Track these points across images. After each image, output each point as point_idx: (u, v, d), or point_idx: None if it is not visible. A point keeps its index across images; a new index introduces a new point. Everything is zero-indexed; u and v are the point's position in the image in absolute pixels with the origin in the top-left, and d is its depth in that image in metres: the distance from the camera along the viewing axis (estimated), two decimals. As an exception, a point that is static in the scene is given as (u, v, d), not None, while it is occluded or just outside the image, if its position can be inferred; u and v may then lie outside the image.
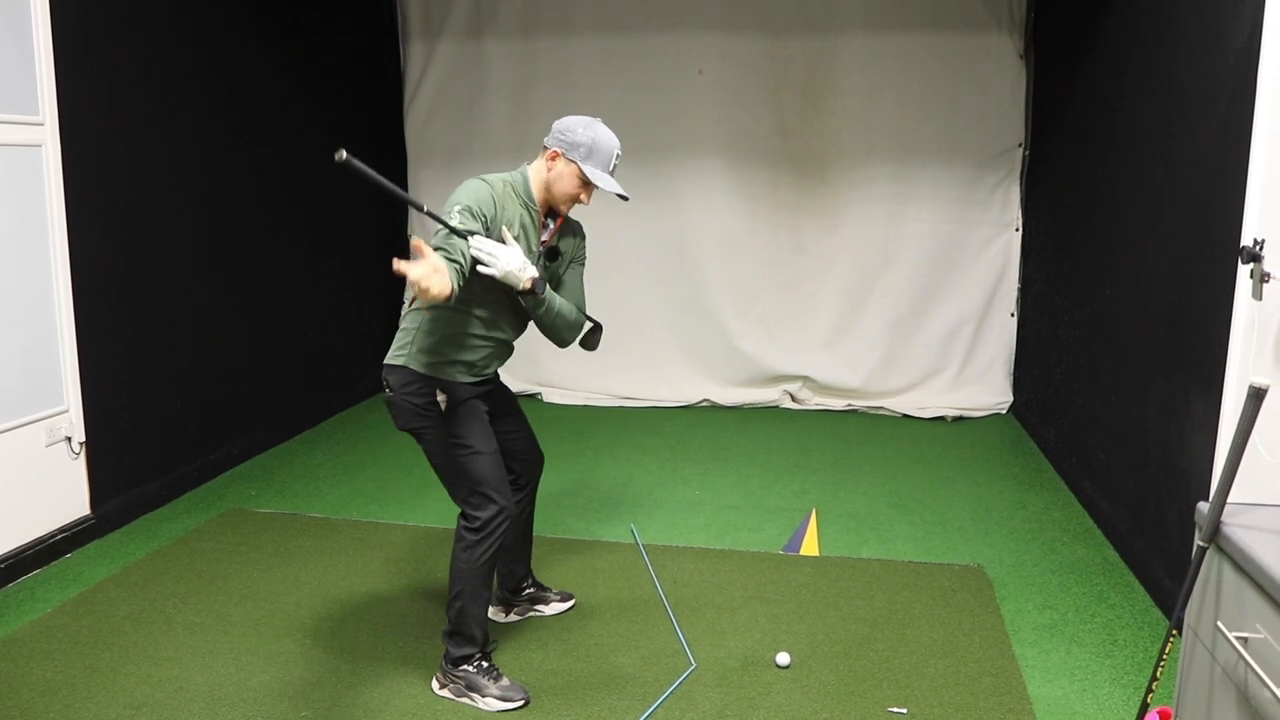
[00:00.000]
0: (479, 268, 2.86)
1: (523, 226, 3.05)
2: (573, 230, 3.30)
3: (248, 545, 4.39)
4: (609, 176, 3.06)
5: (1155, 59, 4.12)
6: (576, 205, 3.12)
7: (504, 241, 2.96)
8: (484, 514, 3.08)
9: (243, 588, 3.96)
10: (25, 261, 4.08)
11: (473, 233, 2.86)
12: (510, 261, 2.88)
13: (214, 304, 5.30)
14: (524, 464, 3.48)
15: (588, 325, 3.35)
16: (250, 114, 5.56)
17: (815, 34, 6.60)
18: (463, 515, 3.13)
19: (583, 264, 3.34)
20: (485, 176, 3.01)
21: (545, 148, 3.07)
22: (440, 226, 2.85)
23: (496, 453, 3.15)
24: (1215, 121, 3.42)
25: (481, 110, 7.00)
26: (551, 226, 3.16)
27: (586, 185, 3.05)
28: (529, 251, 3.07)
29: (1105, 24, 4.85)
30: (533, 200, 3.08)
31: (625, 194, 3.09)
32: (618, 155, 3.07)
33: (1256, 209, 3.04)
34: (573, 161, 3.02)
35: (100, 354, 4.46)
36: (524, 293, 2.97)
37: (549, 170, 3.05)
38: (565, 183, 3.04)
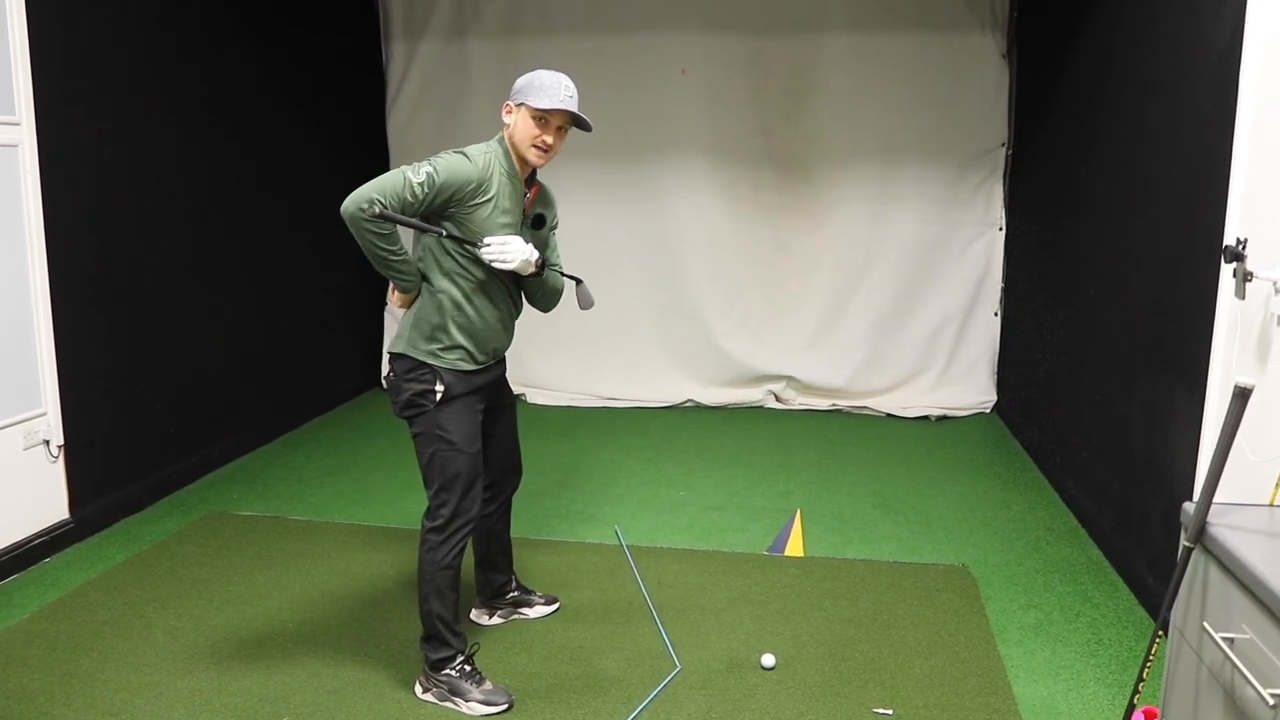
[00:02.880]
0: (496, 265, 3.00)
1: (510, 197, 3.04)
2: (547, 195, 3.29)
3: (229, 549, 4.35)
4: (557, 99, 2.98)
5: (1138, 59, 4.13)
6: (552, 157, 3.06)
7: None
8: (445, 513, 3.08)
9: (224, 591, 3.92)
10: (1, 263, 4.03)
11: (455, 237, 2.96)
12: (523, 252, 3.01)
13: (194, 305, 5.26)
14: (500, 472, 3.45)
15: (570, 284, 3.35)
16: (230, 113, 5.51)
17: (798, 34, 6.60)
18: (427, 514, 3.12)
19: (557, 228, 3.36)
20: (466, 151, 3.00)
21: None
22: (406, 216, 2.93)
23: (477, 456, 3.13)
24: (1198, 121, 3.43)
25: (464, 110, 6.97)
26: (528, 194, 3.14)
27: (545, 123, 3.00)
28: (515, 220, 3.07)
29: (1088, 24, 4.86)
30: (514, 169, 3.06)
31: (568, 107, 2.98)
32: (568, 88, 3.00)
33: (1239, 208, 3.06)
34: (521, 105, 3.00)
35: (79, 356, 4.42)
36: (530, 276, 3.12)
37: (509, 126, 3.05)
38: (522, 128, 3.01)
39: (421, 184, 2.89)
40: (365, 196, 2.87)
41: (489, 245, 2.97)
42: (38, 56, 4.13)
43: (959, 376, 6.86)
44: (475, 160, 2.97)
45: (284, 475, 5.39)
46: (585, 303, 3.33)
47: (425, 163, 2.94)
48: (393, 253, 2.97)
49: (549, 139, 3.00)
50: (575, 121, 3.05)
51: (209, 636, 3.55)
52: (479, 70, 6.92)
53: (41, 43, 4.14)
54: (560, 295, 3.35)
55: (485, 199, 2.98)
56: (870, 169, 6.68)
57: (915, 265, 6.76)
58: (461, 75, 6.98)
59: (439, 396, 3.05)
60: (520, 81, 3.04)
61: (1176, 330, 3.57)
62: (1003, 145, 6.57)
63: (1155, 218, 3.86)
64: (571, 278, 3.32)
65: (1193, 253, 3.41)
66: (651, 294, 6.97)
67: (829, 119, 6.67)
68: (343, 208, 2.90)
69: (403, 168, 2.93)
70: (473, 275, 3.04)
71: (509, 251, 2.98)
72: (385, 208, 2.85)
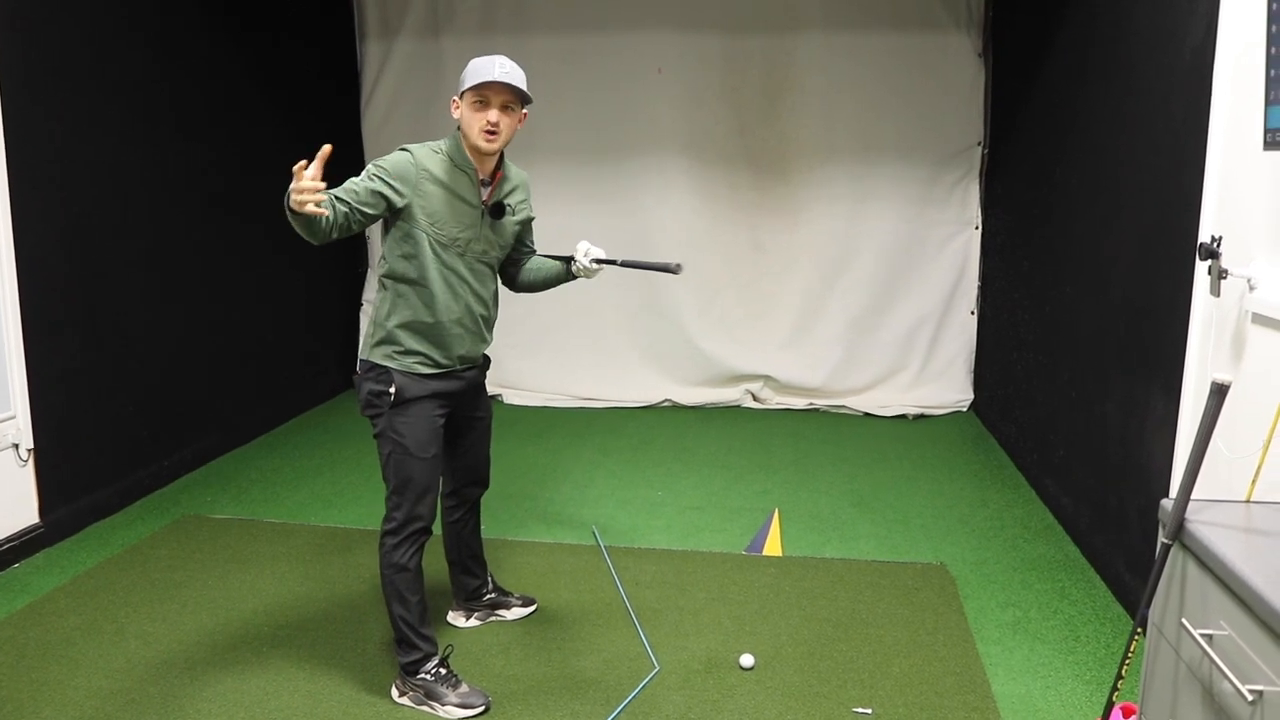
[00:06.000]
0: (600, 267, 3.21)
1: (459, 187, 3.00)
2: (517, 183, 3.24)
3: (203, 552, 4.31)
4: (490, 74, 2.93)
5: (1112, 57, 4.14)
6: (507, 139, 3.02)
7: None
8: (399, 516, 3.05)
9: (198, 596, 3.88)
10: (-31, 264, 3.98)
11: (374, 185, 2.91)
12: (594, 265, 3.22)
13: (166, 306, 5.20)
14: (464, 483, 3.43)
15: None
16: (201, 114, 5.46)
17: (774, 33, 6.60)
18: (385, 517, 3.09)
19: (533, 219, 3.34)
20: (409, 145, 2.99)
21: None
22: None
23: (434, 461, 3.09)
24: (1172, 119, 3.44)
25: (440, 110, 6.93)
26: (490, 185, 3.10)
27: (481, 104, 2.95)
28: (473, 208, 3.04)
29: (1062, 22, 4.87)
30: (468, 162, 3.02)
31: (514, 84, 2.93)
32: (501, 65, 2.95)
33: (1213, 206, 3.07)
34: (462, 95, 2.98)
35: (48, 358, 4.36)
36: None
37: (459, 124, 3.02)
38: (467, 117, 2.98)
39: (370, 175, 2.89)
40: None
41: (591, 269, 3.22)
42: (4, 59, 4.07)
43: (936, 375, 6.88)
44: (415, 151, 2.97)
45: (258, 478, 5.34)
46: (673, 269, 3.30)
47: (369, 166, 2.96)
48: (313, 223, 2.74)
49: (493, 118, 2.95)
50: (519, 97, 2.99)
51: (182, 641, 3.50)
52: (453, 70, 6.80)
53: (7, 43, 4.08)
54: (553, 285, 3.40)
55: (435, 185, 2.95)
56: (847, 168, 6.69)
57: (892, 264, 6.77)
58: (436, 75, 6.94)
59: (392, 399, 3.02)
60: (461, 76, 3.01)
61: (1152, 328, 3.58)
62: (979, 144, 6.60)
63: (1130, 216, 3.88)
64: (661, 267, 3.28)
65: (1167, 250, 3.42)
66: (628, 293, 6.94)
67: (805, 118, 6.68)
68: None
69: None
70: (420, 277, 2.99)
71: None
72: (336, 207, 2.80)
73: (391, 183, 2.89)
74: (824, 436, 6.24)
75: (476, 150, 3.00)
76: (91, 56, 4.61)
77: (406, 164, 2.93)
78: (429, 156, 2.98)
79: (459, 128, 3.03)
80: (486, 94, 2.94)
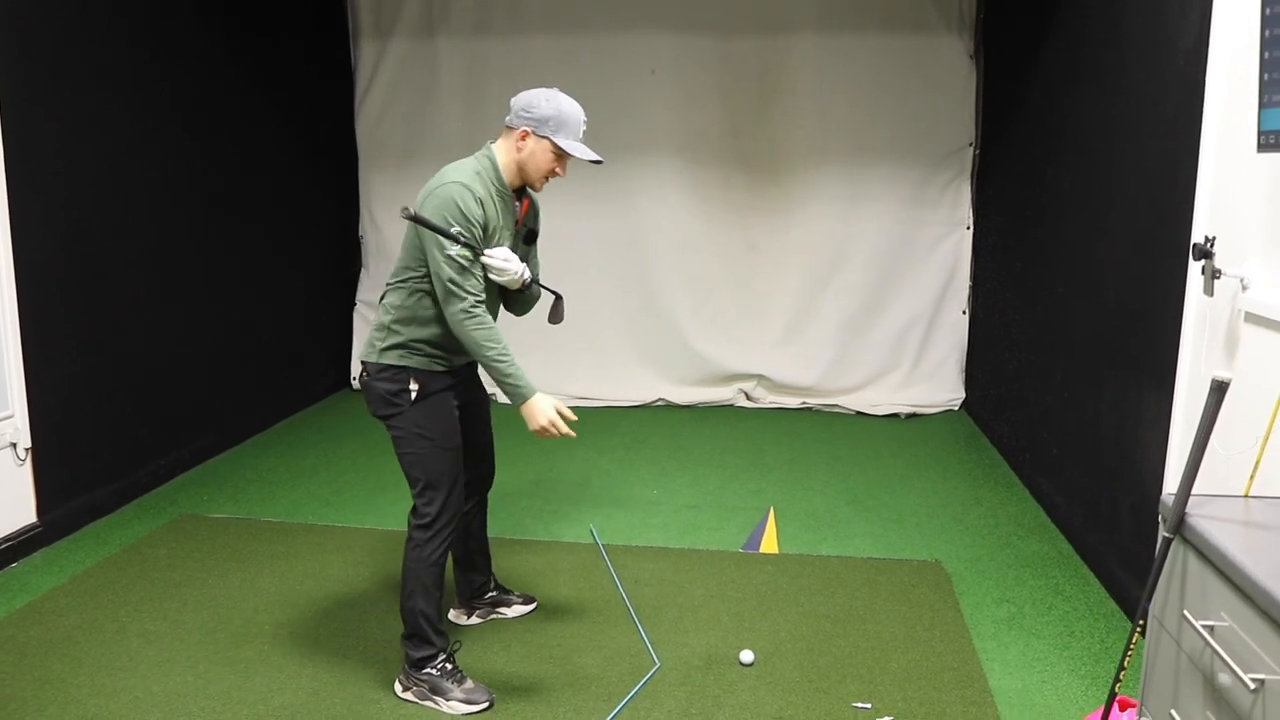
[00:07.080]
0: (491, 275, 3.01)
1: (503, 212, 3.03)
2: (537, 209, 3.28)
3: (202, 551, 4.31)
4: (583, 145, 3.04)
5: (1104, 59, 4.18)
6: (551, 178, 3.09)
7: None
8: (432, 510, 3.06)
9: (198, 594, 3.89)
10: (-32, 263, 3.98)
11: (471, 249, 2.93)
12: (518, 267, 3.04)
13: (163, 305, 5.20)
14: (473, 472, 3.43)
15: (550, 298, 3.35)
16: (197, 114, 5.45)
17: (767, 34, 6.64)
18: (413, 511, 3.11)
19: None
20: (462, 180, 2.92)
21: (510, 128, 3.02)
22: (443, 239, 2.89)
23: (457, 451, 3.12)
24: (1164, 121, 3.48)
25: (434, 110, 6.95)
26: (519, 207, 3.13)
27: (561, 158, 3.02)
28: (512, 236, 3.08)
29: (1054, 25, 4.92)
30: (504, 185, 3.04)
31: (599, 158, 3.06)
32: (584, 122, 3.04)
33: (1206, 207, 3.11)
34: (544, 137, 2.98)
35: (46, 357, 4.36)
36: (518, 290, 3.17)
37: (519, 151, 3.01)
38: (539, 159, 3.00)
39: (460, 247, 2.88)
40: (456, 292, 2.89)
41: (491, 256, 2.97)
42: (4, 59, 4.07)
43: (928, 374, 6.92)
44: (473, 188, 2.92)
45: (255, 477, 5.35)
46: (557, 318, 3.34)
47: (444, 231, 2.88)
48: (496, 352, 2.94)
49: (562, 171, 3.05)
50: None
51: (184, 639, 3.52)
52: (448, 70, 6.91)
53: (4, 42, 4.08)
54: (535, 303, 3.34)
55: (490, 210, 2.97)
56: (839, 169, 6.73)
57: (884, 264, 6.81)
58: (430, 75, 6.95)
59: (414, 395, 3.03)
60: (540, 107, 2.98)
61: (1145, 327, 3.62)
62: (970, 145, 6.64)
63: (1123, 217, 3.91)
64: (553, 292, 3.32)
65: (1160, 250, 3.46)
66: (622, 294, 6.97)
67: (798, 119, 6.71)
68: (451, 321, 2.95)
69: (436, 253, 2.90)
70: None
71: (509, 265, 3.01)
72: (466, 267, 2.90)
73: (478, 235, 2.92)
74: (817, 435, 6.27)
75: (524, 181, 3.07)
76: (91, 56, 4.61)
77: (473, 203, 2.90)
78: (477, 181, 2.95)
79: (492, 144, 3.05)
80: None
